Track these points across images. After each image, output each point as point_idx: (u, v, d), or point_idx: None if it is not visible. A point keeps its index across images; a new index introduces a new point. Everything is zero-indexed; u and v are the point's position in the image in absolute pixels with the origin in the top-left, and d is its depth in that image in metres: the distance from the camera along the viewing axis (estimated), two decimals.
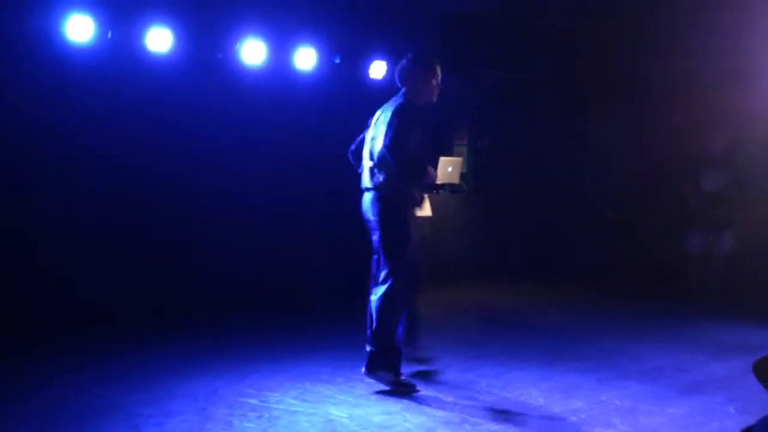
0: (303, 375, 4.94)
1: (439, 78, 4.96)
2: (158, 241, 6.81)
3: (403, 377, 4.72)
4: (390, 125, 4.64)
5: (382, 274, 4.74)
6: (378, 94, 7.98)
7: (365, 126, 5.06)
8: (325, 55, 7.74)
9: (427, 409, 4.30)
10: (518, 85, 9.82)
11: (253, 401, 4.36)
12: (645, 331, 6.62)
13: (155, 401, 4.31)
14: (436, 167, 5.18)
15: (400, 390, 4.60)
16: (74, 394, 4.41)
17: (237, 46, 7.03)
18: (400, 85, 4.93)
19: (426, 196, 8.69)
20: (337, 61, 7.95)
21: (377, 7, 7.92)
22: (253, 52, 7.10)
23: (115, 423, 3.93)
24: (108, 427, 3.87)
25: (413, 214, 4.88)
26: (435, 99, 4.99)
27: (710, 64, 8.26)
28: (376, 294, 4.73)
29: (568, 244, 9.97)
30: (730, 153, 8.56)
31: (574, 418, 4.17)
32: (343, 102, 7.70)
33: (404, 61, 4.94)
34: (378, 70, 8.05)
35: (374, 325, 4.69)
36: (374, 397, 4.52)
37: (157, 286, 6.68)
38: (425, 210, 8.69)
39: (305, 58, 7.53)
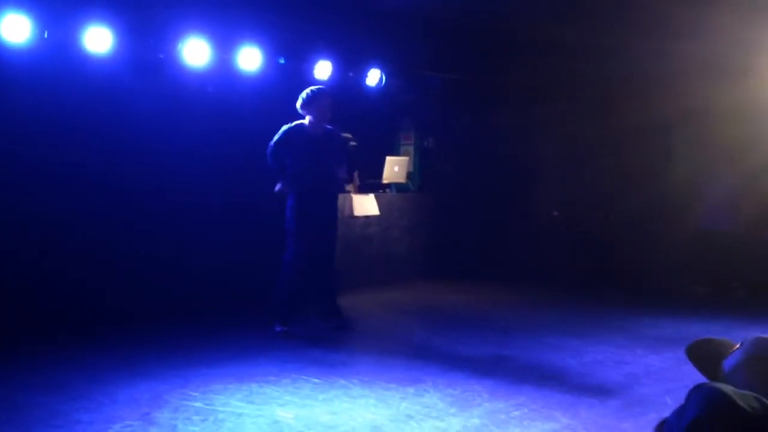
0: (248, 376, 4.92)
1: (327, 108, 6.33)
2: (95, 245, 6.67)
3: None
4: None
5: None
6: None
7: None
8: (270, 55, 7.70)
9: (373, 407, 4.33)
10: (464, 86, 9.92)
11: (198, 404, 4.32)
12: (586, 326, 6.77)
13: (97, 407, 4.24)
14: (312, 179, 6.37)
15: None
16: (12, 402, 4.31)
17: (179, 45, 6.93)
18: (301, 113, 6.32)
19: (372, 195, 8.79)
20: (282, 61, 7.91)
21: (322, 6, 7.91)
22: (195, 51, 7.01)
23: (56, 430, 3.86)
24: None
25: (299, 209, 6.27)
26: (326, 122, 6.37)
27: (659, 64, 8.47)
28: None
29: (515, 244, 10.12)
30: None
31: (517, 413, 4.24)
32: (288, 103, 7.67)
33: (303, 95, 6.29)
34: (323, 70, 8.05)
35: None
36: (321, 397, 4.53)
37: (96, 291, 6.55)
38: (372, 209, 8.75)
39: (249, 58, 7.47)
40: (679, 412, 1.87)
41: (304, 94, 6.31)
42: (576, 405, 4.40)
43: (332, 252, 6.54)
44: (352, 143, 8.63)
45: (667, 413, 4.07)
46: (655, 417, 4.12)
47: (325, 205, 6.46)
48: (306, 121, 6.35)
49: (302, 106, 6.32)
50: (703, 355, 2.24)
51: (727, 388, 1.79)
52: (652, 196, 8.91)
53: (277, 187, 6.40)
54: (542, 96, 9.99)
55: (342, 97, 8.40)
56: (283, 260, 6.36)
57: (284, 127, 6.36)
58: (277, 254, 7.60)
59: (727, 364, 2.10)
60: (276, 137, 6.35)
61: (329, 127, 6.44)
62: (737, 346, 2.19)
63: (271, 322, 6.27)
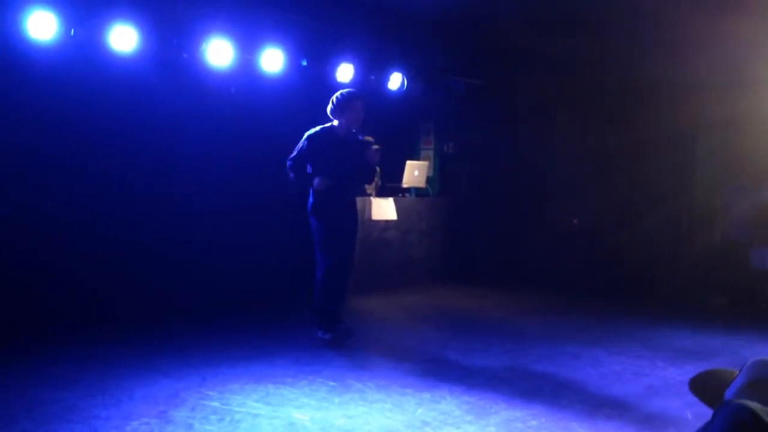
0: (265, 377, 4.92)
1: (360, 112, 6.06)
2: (115, 243, 6.71)
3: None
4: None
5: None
6: None
7: None
8: (293, 57, 7.71)
9: (389, 412, 4.31)
10: (487, 92, 9.89)
11: (215, 404, 4.33)
12: (606, 336, 6.71)
13: (115, 404, 4.26)
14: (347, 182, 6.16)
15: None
16: (30, 396, 4.34)
17: (203, 45, 6.95)
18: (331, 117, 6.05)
19: (391, 199, 8.79)
20: (304, 63, 7.92)
21: (346, 9, 7.92)
22: (219, 52, 7.03)
23: (73, 426, 3.87)
24: (64, 430, 3.81)
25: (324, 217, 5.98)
26: (357, 127, 6.10)
27: (680, 72, 8.41)
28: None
29: (533, 250, 10.07)
30: None
31: (534, 422, 4.21)
32: (310, 105, 7.68)
33: (333, 98, 6.01)
34: (345, 73, 8.05)
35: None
36: (337, 400, 4.52)
37: (116, 288, 6.60)
38: (390, 213, 8.74)
39: (272, 60, 7.48)
40: (704, 430, 1.84)
41: (334, 98, 6.03)
42: (594, 416, 4.36)
43: (351, 259, 6.22)
44: (375, 146, 8.60)
45: (686, 428, 4.02)
46: (674, 431, 4.09)
47: (347, 211, 6.20)
48: (335, 124, 6.06)
49: (333, 110, 6.03)
50: (706, 388, 2.21)
51: (755, 405, 1.76)
52: (673, 206, 8.84)
53: (316, 182, 5.98)
54: (564, 104, 9.95)
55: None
56: (318, 268, 6.04)
57: (308, 134, 6.02)
58: (296, 255, 7.65)
59: (728, 393, 2.07)
60: (297, 151, 6.02)
61: (354, 131, 6.15)
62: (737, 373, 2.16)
63: (315, 329, 6.06)
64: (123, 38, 6.35)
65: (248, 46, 7.31)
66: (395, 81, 8.75)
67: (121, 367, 5.01)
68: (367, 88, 8.45)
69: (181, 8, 6.81)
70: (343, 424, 4.07)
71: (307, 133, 6.05)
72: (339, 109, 6.02)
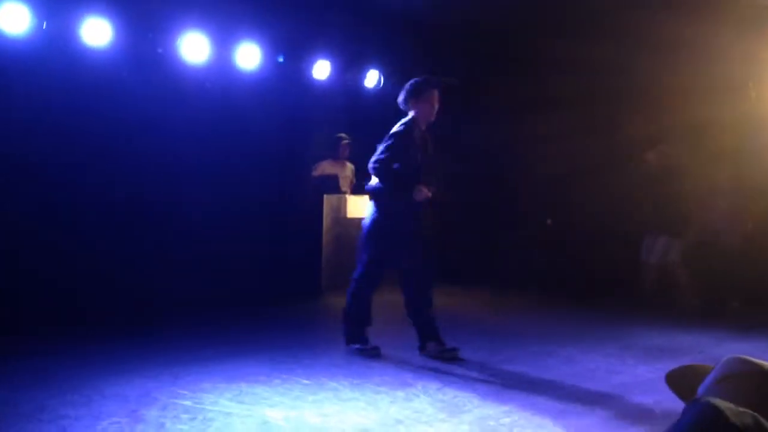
0: (239, 376, 4.89)
1: (434, 103, 5.49)
2: (84, 240, 6.64)
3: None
4: (383, 142, 5.42)
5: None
6: (320, 95, 8.01)
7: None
8: (269, 53, 7.67)
9: (362, 411, 4.31)
10: (465, 93, 9.90)
11: (187, 403, 4.30)
12: (579, 335, 6.76)
13: (85, 403, 4.21)
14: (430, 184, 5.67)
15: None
16: None
17: (178, 40, 6.89)
18: (403, 108, 5.51)
19: (367, 197, 8.77)
20: (281, 59, 7.89)
21: (324, 6, 7.90)
22: (194, 47, 6.97)
23: (43, 425, 3.82)
24: (33, 430, 3.75)
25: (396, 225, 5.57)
26: (432, 119, 5.57)
27: (660, 78, 8.49)
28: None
29: (509, 250, 10.11)
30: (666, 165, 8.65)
31: (506, 420, 4.22)
32: (286, 102, 7.66)
33: (406, 86, 5.48)
34: (322, 70, 8.02)
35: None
36: (311, 398, 4.51)
37: (86, 286, 6.53)
38: (365, 211, 8.72)
39: (248, 56, 7.43)
40: (675, 426, 1.87)
41: (408, 85, 5.46)
42: (566, 413, 4.38)
43: (418, 266, 5.82)
44: (345, 141, 8.61)
45: (656, 424, 4.05)
46: (643, 428, 4.14)
47: (416, 218, 5.73)
48: (410, 117, 5.47)
49: (405, 100, 5.45)
50: (681, 382, 2.25)
51: (724, 404, 1.78)
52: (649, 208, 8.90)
53: (418, 194, 5.44)
54: (544, 107, 9.98)
55: (339, 98, 8.41)
56: (357, 271, 5.76)
57: (395, 131, 5.38)
58: (271, 249, 7.60)
59: (701, 389, 2.11)
60: (390, 151, 5.35)
61: (426, 128, 5.59)
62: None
63: (348, 342, 5.82)
64: (96, 32, 6.28)
65: (224, 41, 7.27)
66: (372, 79, 8.74)
67: (92, 366, 4.97)
68: (344, 85, 8.44)
69: (156, 2, 6.74)
70: (316, 423, 4.06)
71: (394, 131, 5.45)
72: (411, 98, 5.45)
